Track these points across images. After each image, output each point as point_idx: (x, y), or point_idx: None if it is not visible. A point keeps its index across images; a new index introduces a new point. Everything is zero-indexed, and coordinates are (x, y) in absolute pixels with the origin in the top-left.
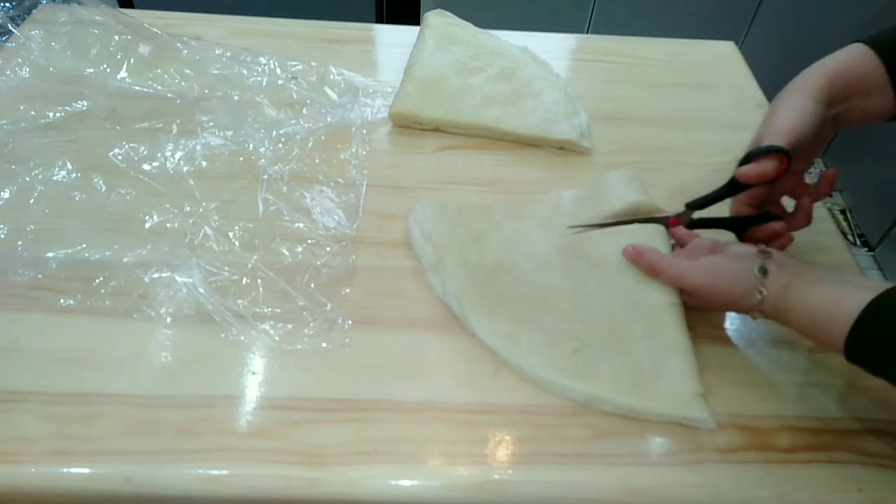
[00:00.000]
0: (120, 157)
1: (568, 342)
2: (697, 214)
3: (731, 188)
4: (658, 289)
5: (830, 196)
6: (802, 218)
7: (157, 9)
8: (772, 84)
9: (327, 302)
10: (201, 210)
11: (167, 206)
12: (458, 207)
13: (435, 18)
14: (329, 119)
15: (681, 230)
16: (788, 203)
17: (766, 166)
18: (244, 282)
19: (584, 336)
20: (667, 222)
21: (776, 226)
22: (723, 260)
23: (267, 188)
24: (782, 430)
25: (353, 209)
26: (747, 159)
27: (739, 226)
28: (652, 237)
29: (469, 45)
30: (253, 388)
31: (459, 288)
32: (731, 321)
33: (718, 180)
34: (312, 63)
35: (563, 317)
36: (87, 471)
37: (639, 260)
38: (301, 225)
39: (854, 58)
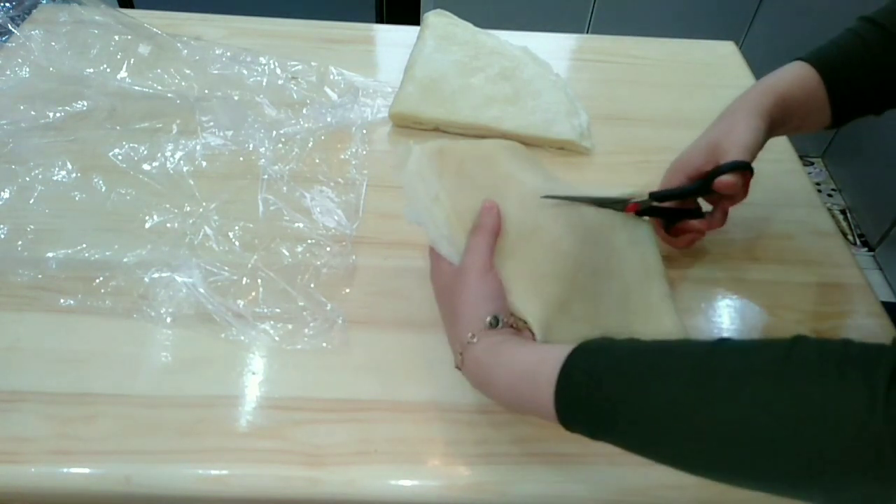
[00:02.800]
0: (120, 157)
1: (593, 331)
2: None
3: (697, 190)
4: (655, 281)
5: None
6: (721, 218)
7: (157, 9)
8: None
9: (327, 302)
10: (201, 210)
11: (167, 206)
12: (460, 157)
13: (435, 18)
14: (329, 119)
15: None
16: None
17: (739, 180)
18: (244, 282)
19: (605, 325)
20: (625, 207)
21: (699, 224)
22: (469, 286)
23: (267, 188)
24: None
25: (353, 209)
26: (718, 170)
27: (673, 217)
28: (645, 236)
29: (469, 45)
30: (253, 388)
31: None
32: (731, 320)
33: None
34: (312, 63)
35: (586, 300)
36: (87, 471)
37: (484, 217)
38: (301, 225)
39: (797, 79)
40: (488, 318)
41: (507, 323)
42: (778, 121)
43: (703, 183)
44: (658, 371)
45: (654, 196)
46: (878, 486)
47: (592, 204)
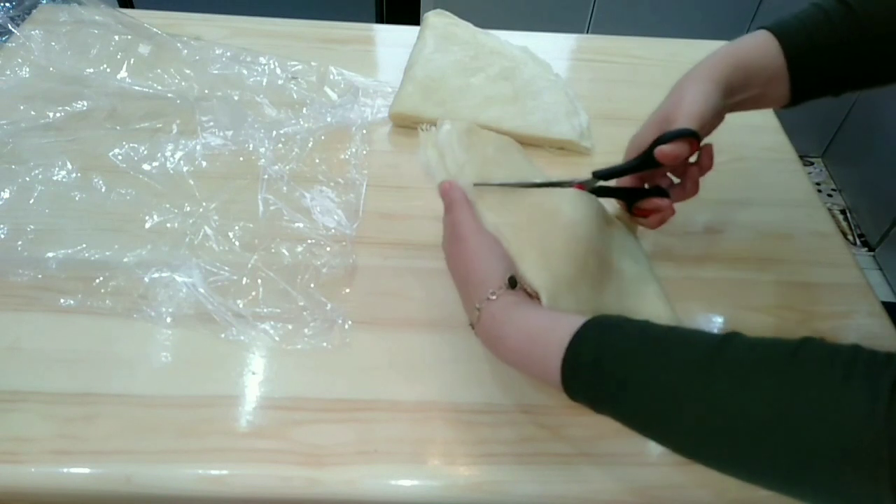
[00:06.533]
0: (120, 157)
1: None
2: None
3: (641, 164)
4: (649, 284)
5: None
6: (692, 188)
7: (157, 9)
8: None
9: (327, 302)
10: (201, 210)
11: (167, 206)
12: (485, 140)
13: (435, 18)
14: (329, 119)
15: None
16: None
17: (682, 148)
18: (244, 282)
19: (606, 311)
20: (572, 188)
21: (662, 201)
22: (482, 249)
23: (267, 188)
24: None
25: (353, 209)
26: (661, 140)
27: (632, 197)
28: (634, 241)
29: (469, 45)
30: (253, 388)
31: (505, 225)
32: (731, 320)
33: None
34: (312, 63)
35: (593, 286)
36: (87, 471)
37: (451, 194)
38: (301, 225)
39: (757, 46)
40: (507, 278)
41: (523, 288)
42: (737, 87)
43: (646, 156)
44: (667, 354)
45: (597, 175)
46: (870, 489)
47: (535, 188)
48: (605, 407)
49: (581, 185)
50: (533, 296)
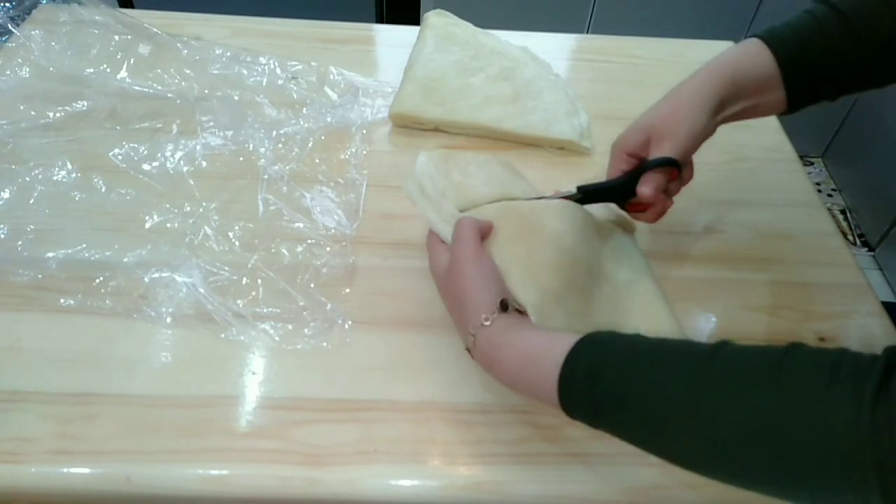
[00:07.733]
0: (120, 157)
1: (586, 327)
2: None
3: (624, 184)
4: (644, 282)
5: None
6: (688, 171)
7: (157, 9)
8: None
9: (327, 302)
10: (201, 210)
11: (167, 206)
12: (464, 162)
13: (435, 18)
14: (329, 119)
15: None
16: None
17: (662, 180)
18: (244, 282)
19: (598, 324)
20: (558, 199)
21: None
22: (470, 281)
23: (267, 188)
24: None
25: (353, 209)
26: (643, 167)
27: (623, 196)
28: (630, 242)
29: (469, 45)
30: (253, 388)
31: (491, 243)
32: (731, 320)
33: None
34: (312, 63)
35: (582, 297)
36: (87, 471)
37: (460, 232)
38: (301, 225)
39: (749, 56)
40: (499, 301)
41: (515, 307)
42: (730, 100)
43: (629, 179)
44: (659, 368)
45: (581, 190)
46: (860, 494)
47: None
48: (601, 423)
49: (566, 198)
50: (524, 313)
